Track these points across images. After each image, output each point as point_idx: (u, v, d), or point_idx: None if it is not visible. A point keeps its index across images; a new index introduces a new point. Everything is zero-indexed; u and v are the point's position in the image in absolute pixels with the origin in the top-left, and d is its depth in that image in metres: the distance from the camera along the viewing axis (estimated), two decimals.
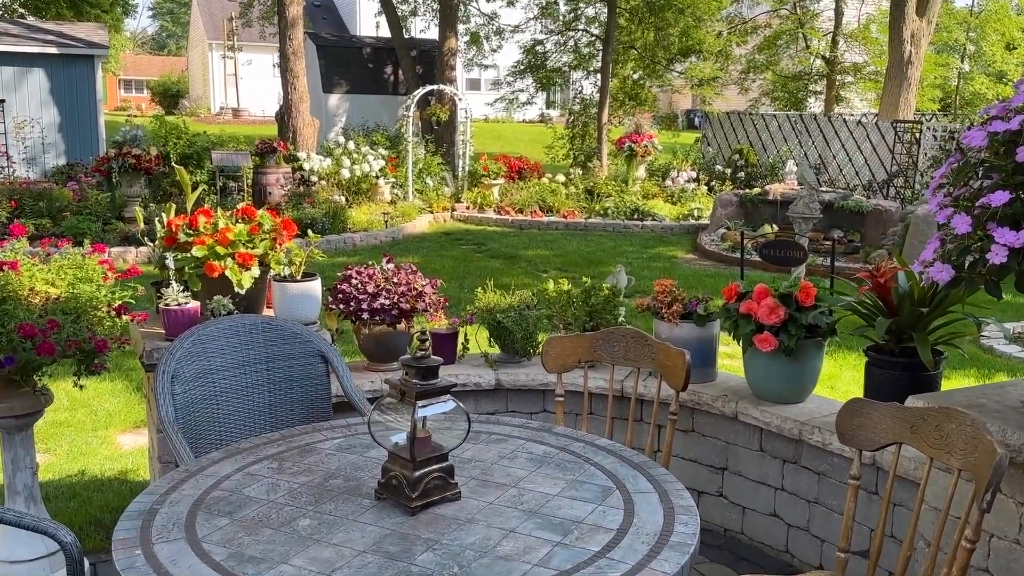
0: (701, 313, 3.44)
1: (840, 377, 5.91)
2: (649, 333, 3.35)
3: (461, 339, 3.81)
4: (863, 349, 3.12)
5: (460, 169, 14.73)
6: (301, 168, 12.80)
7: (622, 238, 12.05)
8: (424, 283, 3.57)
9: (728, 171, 14.89)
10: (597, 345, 2.96)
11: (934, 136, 13.63)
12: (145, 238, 3.59)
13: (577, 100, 19.91)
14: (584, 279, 3.90)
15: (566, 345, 2.97)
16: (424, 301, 3.51)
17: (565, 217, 12.98)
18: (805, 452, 3.16)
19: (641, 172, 14.98)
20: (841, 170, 14.99)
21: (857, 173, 14.68)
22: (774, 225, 11.36)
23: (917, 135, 13.58)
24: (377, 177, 13.08)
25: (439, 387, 1.92)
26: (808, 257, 3.71)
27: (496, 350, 3.90)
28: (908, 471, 2.72)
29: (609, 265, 9.52)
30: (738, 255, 10.29)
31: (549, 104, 29.27)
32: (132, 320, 3.07)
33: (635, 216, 12.84)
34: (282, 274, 3.37)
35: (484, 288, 3.92)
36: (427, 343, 1.96)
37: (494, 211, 13.40)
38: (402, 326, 3.53)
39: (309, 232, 3.88)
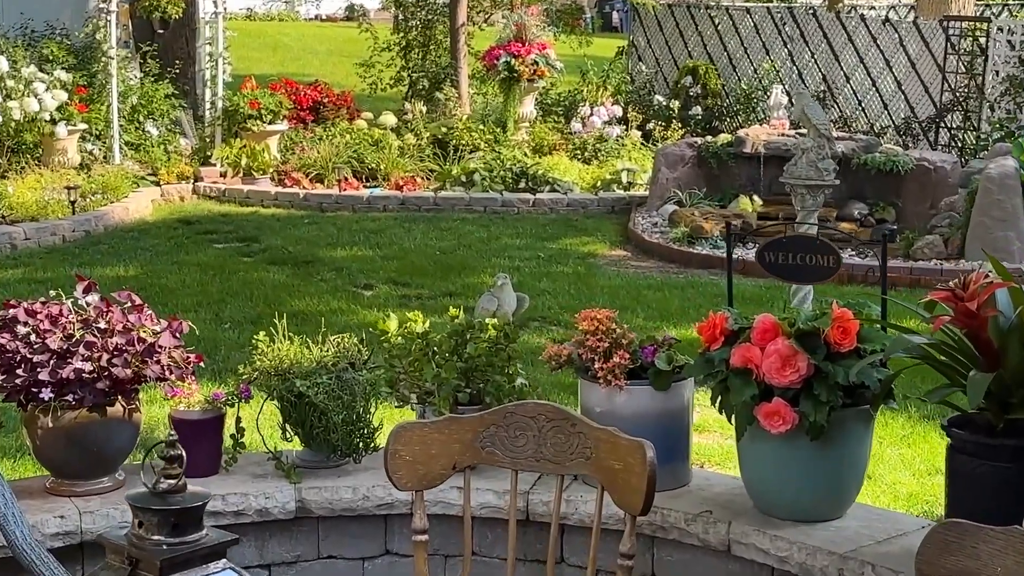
0: (662, 368, 3.45)
1: (882, 458, 6.07)
2: (573, 405, 3.32)
3: (230, 428, 3.79)
4: (943, 423, 3.18)
5: (208, 106, 14.53)
6: None
7: (501, 224, 12.17)
8: (159, 327, 3.54)
9: (675, 105, 15.28)
10: (486, 436, 2.95)
11: (1009, 43, 14.35)
12: None
13: None
14: (452, 309, 3.88)
15: (430, 438, 2.96)
16: (159, 361, 3.50)
17: (400, 189, 13.00)
18: None
19: (529, 108, 15.18)
20: (859, 102, 15.64)
21: (886, 107, 15.35)
22: (754, 197, 11.69)
23: (982, 41, 14.28)
24: (55, 123, 12.71)
25: (206, 547, 1.86)
26: (840, 265, 3.80)
27: (296, 445, 3.90)
28: None
29: (482, 274, 9.56)
30: (700, 250, 10.52)
31: None
32: None
33: (522, 185, 12.99)
34: None
35: (271, 329, 3.87)
36: (180, 458, 1.89)
37: (272, 180, 13.33)
38: (117, 409, 3.50)
39: None
